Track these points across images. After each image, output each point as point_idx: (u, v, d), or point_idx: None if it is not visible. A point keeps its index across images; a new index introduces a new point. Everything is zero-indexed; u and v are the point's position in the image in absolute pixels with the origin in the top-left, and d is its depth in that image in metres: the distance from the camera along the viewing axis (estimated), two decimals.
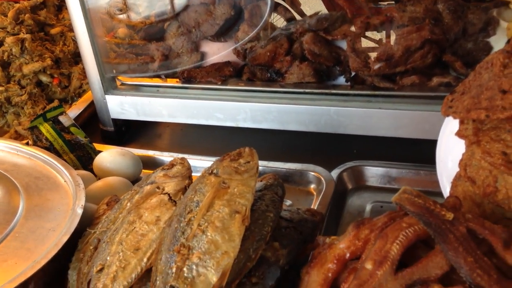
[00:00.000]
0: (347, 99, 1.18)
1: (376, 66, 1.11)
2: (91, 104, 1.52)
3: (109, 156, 1.27)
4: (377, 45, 1.20)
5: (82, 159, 1.32)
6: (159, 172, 0.92)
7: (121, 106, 1.41)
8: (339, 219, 1.07)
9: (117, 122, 1.46)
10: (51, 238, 0.87)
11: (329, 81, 1.23)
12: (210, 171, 0.82)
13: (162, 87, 1.40)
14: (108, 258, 0.75)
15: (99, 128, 1.50)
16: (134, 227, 0.79)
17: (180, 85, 1.38)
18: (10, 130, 1.48)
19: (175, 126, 1.53)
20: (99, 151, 1.34)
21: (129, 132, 1.51)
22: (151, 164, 1.31)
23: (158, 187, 0.87)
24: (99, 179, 1.22)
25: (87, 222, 0.97)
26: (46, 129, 1.30)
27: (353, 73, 1.20)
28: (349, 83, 1.20)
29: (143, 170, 1.30)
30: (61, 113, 1.34)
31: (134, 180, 1.24)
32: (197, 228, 0.72)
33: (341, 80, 1.23)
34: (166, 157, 1.32)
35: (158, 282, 0.68)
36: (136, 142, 1.49)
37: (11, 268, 0.79)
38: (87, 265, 0.80)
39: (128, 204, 0.86)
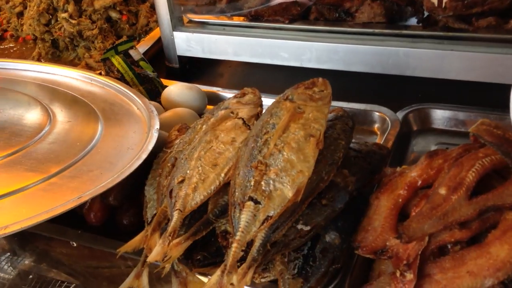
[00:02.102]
0: (418, 41, 1.16)
1: (451, 6, 1.08)
2: (157, 41, 1.56)
3: (176, 89, 1.31)
4: None
5: (150, 92, 1.37)
6: (232, 99, 0.96)
7: (188, 43, 1.44)
8: (402, 158, 1.08)
9: (182, 60, 1.50)
10: (131, 155, 0.93)
11: (400, 21, 1.21)
12: (285, 97, 0.84)
13: (228, 26, 1.42)
14: (188, 171, 0.79)
15: (164, 65, 1.55)
16: (211, 146, 0.83)
17: (247, 23, 1.39)
18: (81, 63, 1.55)
19: (237, 66, 1.55)
20: (166, 86, 1.39)
21: (193, 70, 1.55)
22: (215, 100, 1.35)
23: (232, 112, 0.90)
24: (166, 111, 1.28)
25: (159, 146, 1.02)
26: (117, 61, 1.35)
27: (426, 14, 1.17)
28: (421, 24, 1.17)
29: (207, 106, 1.34)
30: (131, 47, 1.39)
31: (199, 113, 1.29)
32: (273, 148, 0.75)
33: (413, 21, 1.20)
34: (229, 93, 1.35)
35: (237, 194, 0.73)
36: (199, 80, 1.53)
37: (96, 177, 0.84)
38: (166, 179, 0.85)
39: (204, 126, 0.90)
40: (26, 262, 1.23)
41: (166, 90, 1.32)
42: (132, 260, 0.94)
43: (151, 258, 0.69)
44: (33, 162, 0.84)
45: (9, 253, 1.24)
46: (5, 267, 1.24)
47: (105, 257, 0.98)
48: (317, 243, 0.77)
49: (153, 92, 1.37)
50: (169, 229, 0.71)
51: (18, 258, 1.23)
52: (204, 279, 0.80)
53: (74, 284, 1.15)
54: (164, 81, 1.42)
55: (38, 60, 1.60)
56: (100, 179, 0.83)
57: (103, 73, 1.35)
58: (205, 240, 0.80)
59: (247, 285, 0.69)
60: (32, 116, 1.00)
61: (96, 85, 1.25)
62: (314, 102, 0.82)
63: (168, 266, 0.72)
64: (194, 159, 0.81)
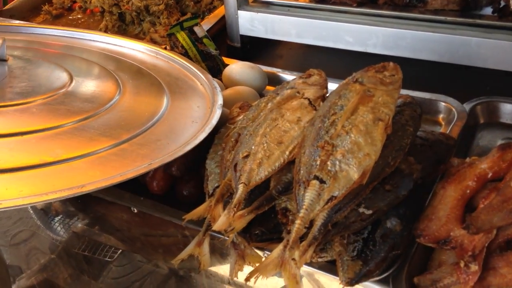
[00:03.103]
0: (492, 31, 1.11)
1: None
2: (221, 20, 1.58)
3: (238, 68, 1.32)
4: None
5: (212, 69, 1.38)
6: (297, 80, 0.96)
7: (251, 23, 1.44)
8: (467, 151, 1.05)
9: (244, 39, 1.51)
10: (195, 128, 0.95)
11: (474, 10, 1.17)
12: (355, 80, 0.83)
13: (293, 7, 1.41)
14: (253, 147, 0.80)
15: (226, 43, 1.56)
16: (277, 124, 0.83)
17: (312, 5, 1.38)
18: (145, 37, 1.59)
19: (297, 48, 1.54)
20: (227, 64, 1.40)
21: (253, 50, 1.55)
22: (274, 80, 1.35)
23: (298, 92, 0.90)
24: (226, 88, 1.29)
25: (221, 121, 1.04)
26: (182, 37, 1.38)
27: (502, 4, 1.13)
28: (496, 14, 1.13)
29: (266, 86, 1.34)
30: (196, 24, 1.41)
31: (259, 93, 1.29)
32: (341, 129, 0.75)
33: (487, 10, 1.16)
34: (289, 75, 1.35)
35: (302, 172, 0.73)
36: (258, 61, 1.53)
37: (163, 147, 0.87)
38: (229, 153, 0.87)
39: (269, 104, 0.90)
40: (79, 225, 1.29)
41: (228, 68, 1.34)
42: (190, 229, 0.97)
43: (217, 227, 0.71)
44: (105, 128, 0.87)
45: (62, 215, 1.30)
46: (58, 228, 1.30)
47: (163, 225, 1.01)
48: (378, 228, 0.76)
49: (214, 70, 1.39)
50: (234, 201, 0.73)
51: (71, 221, 1.29)
52: (260, 253, 0.81)
53: (120, 250, 1.20)
54: (225, 60, 1.44)
55: (105, 32, 1.65)
56: (167, 148, 0.86)
57: (168, 48, 1.37)
58: (264, 216, 0.81)
59: (305, 263, 0.70)
60: (103, 84, 1.04)
61: (161, 59, 1.28)
62: (385, 86, 0.81)
63: (231, 237, 0.73)
64: (260, 136, 0.82)
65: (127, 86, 1.06)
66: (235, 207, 0.72)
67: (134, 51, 1.30)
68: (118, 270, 1.27)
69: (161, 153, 0.84)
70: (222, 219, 0.71)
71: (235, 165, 0.79)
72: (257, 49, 1.55)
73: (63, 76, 1.00)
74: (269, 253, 0.83)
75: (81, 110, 0.90)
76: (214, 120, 0.95)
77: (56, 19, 1.80)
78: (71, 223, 1.29)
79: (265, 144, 0.80)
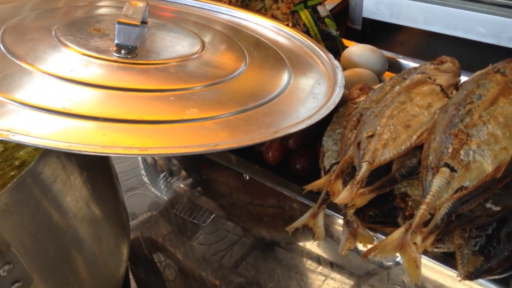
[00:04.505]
0: None
1: None
2: (343, 1, 1.56)
3: (359, 50, 1.31)
4: None
5: (330, 50, 1.37)
6: (428, 65, 0.93)
7: (376, 6, 1.41)
8: None
9: (366, 22, 1.48)
10: (316, 104, 0.96)
11: None
12: (496, 70, 0.79)
13: None
14: (378, 128, 0.80)
15: (345, 25, 1.55)
16: (405, 107, 0.82)
17: None
18: (267, 14, 1.62)
19: (419, 35, 1.49)
20: (346, 46, 1.39)
21: (373, 34, 1.52)
22: (394, 66, 1.32)
23: (429, 78, 0.88)
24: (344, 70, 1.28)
25: (340, 101, 1.04)
26: (305, 15, 1.39)
27: None
28: None
29: (386, 72, 1.32)
30: (319, 3, 1.41)
31: (378, 77, 1.27)
32: (478, 119, 0.72)
33: None
34: (411, 62, 1.31)
35: (431, 158, 0.71)
36: (377, 45, 1.50)
37: (287, 118, 0.89)
38: (350, 131, 0.87)
39: (397, 87, 0.89)
40: (181, 185, 1.35)
41: (348, 49, 1.33)
42: (298, 203, 1.00)
43: (339, 200, 0.72)
44: (233, 94, 0.91)
45: (168, 173, 1.37)
46: (162, 186, 1.38)
47: (273, 195, 1.05)
48: (504, 226, 0.73)
49: (333, 50, 1.38)
50: (358, 177, 0.73)
51: (173, 179, 1.36)
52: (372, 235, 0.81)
53: (214, 214, 1.25)
54: (345, 41, 1.42)
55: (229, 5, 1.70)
56: (290, 120, 0.87)
57: (289, 25, 1.39)
58: (378, 199, 0.81)
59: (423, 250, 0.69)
60: (231, 53, 1.08)
61: (283, 35, 1.30)
62: None
63: (350, 213, 0.74)
64: (386, 117, 0.81)
65: (252, 57, 1.09)
66: (358, 183, 0.72)
67: (257, 26, 1.34)
68: (206, 237, 1.33)
69: (285, 124, 0.86)
70: (345, 194, 0.72)
71: (358, 144, 0.79)
72: (377, 33, 1.52)
73: (196, 42, 1.05)
74: (380, 235, 0.83)
75: (212, 75, 0.94)
76: (337, 98, 0.95)
77: None
78: (176, 183, 1.36)
79: (391, 126, 0.79)
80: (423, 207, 0.67)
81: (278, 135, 0.79)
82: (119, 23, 0.90)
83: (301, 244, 1.08)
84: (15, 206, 0.62)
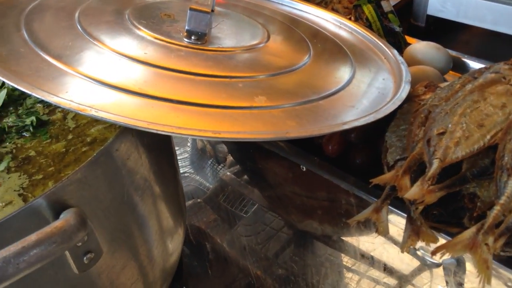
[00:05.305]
0: None
1: None
2: None
3: (423, 48, 1.28)
4: None
5: (392, 45, 1.35)
6: (502, 65, 0.90)
7: (442, 4, 1.38)
8: None
9: (429, 20, 1.45)
10: (381, 99, 0.95)
11: None
12: None
13: None
14: (449, 125, 0.78)
15: (407, 21, 1.52)
16: (478, 106, 0.79)
17: None
18: (327, 7, 1.60)
19: (485, 35, 1.44)
20: (408, 43, 1.36)
21: (437, 33, 1.49)
22: (458, 66, 1.28)
23: (504, 78, 0.85)
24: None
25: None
26: (368, 10, 1.37)
27: None
28: None
29: (450, 71, 1.28)
30: None
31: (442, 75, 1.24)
32: None
33: None
34: (476, 63, 1.27)
35: (506, 158, 0.69)
36: (441, 43, 1.46)
37: (352, 110, 0.88)
38: (418, 128, 0.86)
39: (468, 86, 0.86)
40: (228, 173, 1.36)
41: (411, 46, 1.30)
42: (356, 197, 0.99)
43: (409, 195, 0.71)
44: (299, 84, 0.91)
45: (212, 159, 1.38)
46: (208, 174, 1.39)
47: (329, 188, 1.04)
48: None
49: (394, 46, 1.35)
50: (429, 174, 0.72)
51: (219, 166, 1.36)
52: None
53: (254, 207, 1.25)
54: (407, 38, 1.40)
55: None
56: (357, 113, 0.87)
57: (352, 19, 1.38)
58: (444, 198, 0.79)
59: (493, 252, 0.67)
60: (295, 45, 1.08)
61: (345, 29, 1.28)
62: None
63: (419, 209, 0.73)
64: (458, 115, 0.79)
65: (316, 49, 1.09)
66: (428, 180, 0.71)
67: (319, 18, 1.33)
68: (246, 228, 1.33)
69: (351, 117, 0.85)
70: (415, 190, 0.70)
71: (428, 140, 0.78)
72: (441, 31, 1.48)
73: (261, 32, 1.06)
74: (444, 235, 0.81)
75: (278, 65, 0.95)
76: (403, 94, 0.94)
77: None
78: (219, 169, 1.36)
79: (464, 125, 0.77)
80: (497, 207, 0.65)
81: (347, 126, 0.79)
82: (191, 9, 0.91)
83: (353, 240, 1.07)
84: (93, 180, 0.64)
